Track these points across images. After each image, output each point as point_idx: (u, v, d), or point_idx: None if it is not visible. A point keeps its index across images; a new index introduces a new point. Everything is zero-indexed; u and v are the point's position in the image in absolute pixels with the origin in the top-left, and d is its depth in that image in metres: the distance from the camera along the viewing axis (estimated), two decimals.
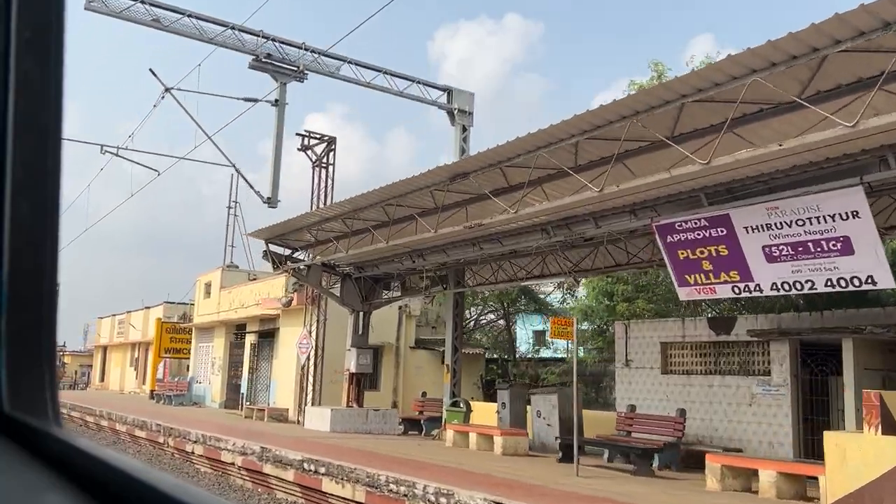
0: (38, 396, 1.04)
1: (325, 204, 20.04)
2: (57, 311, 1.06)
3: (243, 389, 26.60)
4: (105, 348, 54.38)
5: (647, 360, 16.28)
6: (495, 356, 27.83)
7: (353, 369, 19.18)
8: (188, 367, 40.28)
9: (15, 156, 1.01)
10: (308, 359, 21.08)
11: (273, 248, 18.74)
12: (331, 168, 22.07)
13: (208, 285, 31.30)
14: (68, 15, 1.06)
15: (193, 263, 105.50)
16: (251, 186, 16.87)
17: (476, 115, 19.26)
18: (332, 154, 22.10)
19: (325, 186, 21.81)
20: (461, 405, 17.36)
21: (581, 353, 23.92)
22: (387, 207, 14.87)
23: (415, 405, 20.71)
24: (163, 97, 16.12)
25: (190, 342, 37.41)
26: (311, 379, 21.20)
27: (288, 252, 19.47)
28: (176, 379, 31.72)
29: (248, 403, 25.62)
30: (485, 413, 17.89)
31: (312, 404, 20.91)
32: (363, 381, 19.58)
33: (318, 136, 22.06)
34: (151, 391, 36.33)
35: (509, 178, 12.70)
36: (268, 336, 25.48)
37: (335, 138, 22.20)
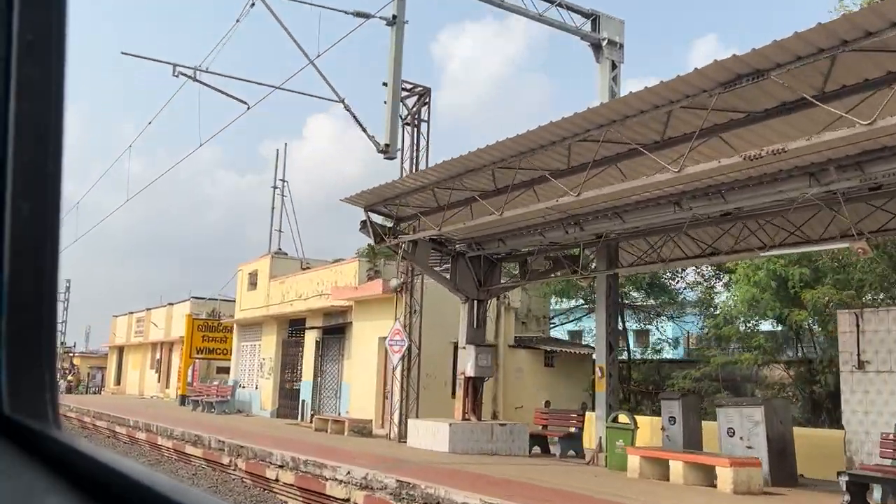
0: (39, 398, 1.03)
1: (415, 169, 16.07)
2: (57, 313, 1.06)
3: (304, 396, 22.51)
4: (121, 349, 50.33)
5: (893, 360, 12.20)
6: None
7: (469, 372, 15.12)
8: (219, 369, 36.33)
9: (16, 158, 1.01)
10: (402, 359, 17.02)
11: (373, 218, 14.69)
12: (424, 125, 18.05)
13: (253, 275, 27.24)
14: (70, 17, 1.06)
15: (194, 266, 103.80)
16: (364, 131, 12.86)
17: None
18: (426, 109, 18.06)
19: (418, 147, 17.78)
20: (628, 421, 13.27)
21: (723, 355, 19.83)
22: (499, 171, 11.27)
23: (537, 418, 16.62)
24: (252, 4, 12.06)
25: (225, 341, 33.38)
26: (404, 383, 17.13)
27: (377, 225, 15.41)
28: (214, 382, 27.62)
29: (311, 412, 21.54)
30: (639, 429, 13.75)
31: (407, 415, 16.85)
32: (480, 388, 15.50)
33: (408, 85, 18.01)
34: (182, 396, 32.27)
35: (672, 128, 9.24)
36: (336, 332, 21.41)
37: (429, 89, 18.18)
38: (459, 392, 15.33)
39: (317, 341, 22.22)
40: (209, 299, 39.02)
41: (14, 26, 1.02)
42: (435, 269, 15.60)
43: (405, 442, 16.48)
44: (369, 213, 14.63)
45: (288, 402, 24.15)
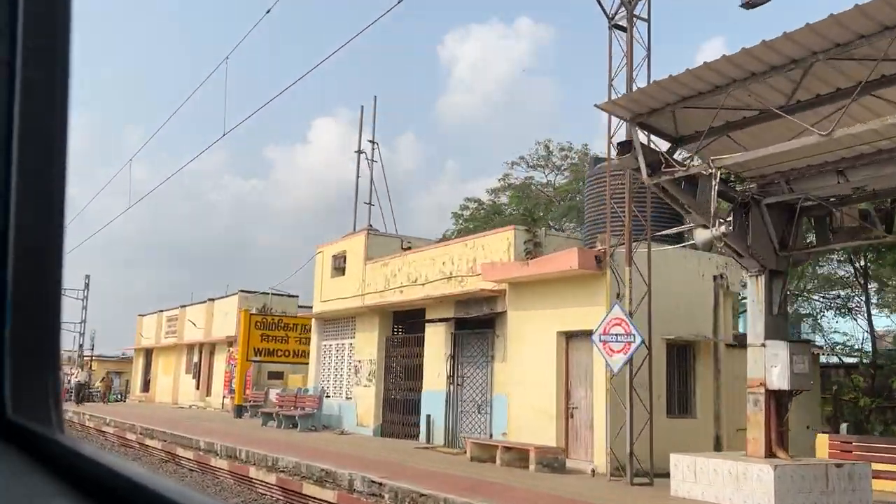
0: (42, 402, 1.04)
1: (631, 88, 10.71)
2: (61, 317, 1.06)
3: (429, 409, 17.10)
4: (149, 351, 44.99)
5: None
6: (832, 360, 18.39)
7: (780, 383, 9.69)
8: (271, 374, 30.95)
9: (20, 163, 1.01)
10: (628, 362, 11.64)
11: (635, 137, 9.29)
12: (637, 30, 12.68)
13: (339, 258, 21.86)
14: (75, 23, 1.06)
15: (198, 272, 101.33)
16: None
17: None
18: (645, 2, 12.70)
19: (632, 56, 12.40)
20: None
21: None
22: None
23: (837, 448, 11.18)
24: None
25: (286, 341, 28.07)
26: (618, 397, 11.71)
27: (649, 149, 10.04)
28: (297, 391, 22.20)
29: (445, 432, 16.13)
30: None
31: (633, 443, 11.46)
32: (786, 408, 10.07)
33: None
34: (238, 407, 26.89)
35: None
36: (480, 326, 16.01)
37: None
38: (755, 413, 9.90)
39: (452, 336, 16.80)
40: (260, 293, 33.74)
41: (19, 31, 1.03)
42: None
43: (648, 484, 11.10)
44: (637, 126, 9.24)
45: (398, 416, 18.72)
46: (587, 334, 13.32)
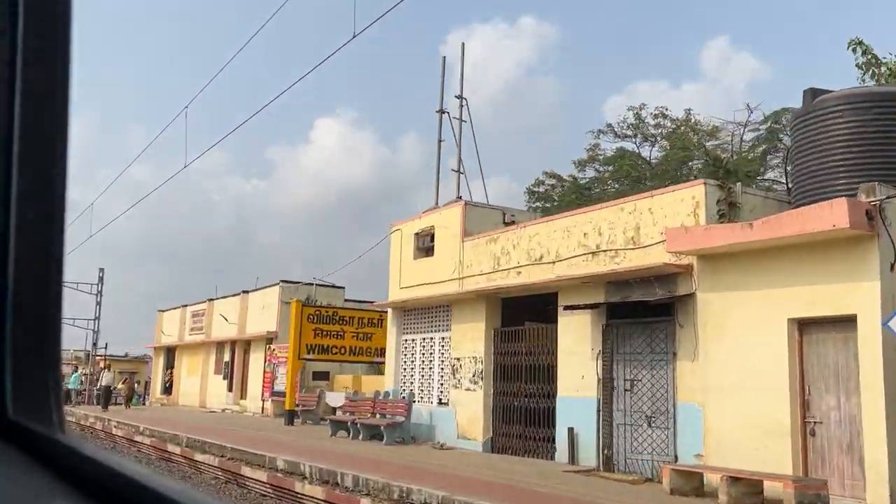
0: (43, 402, 1.04)
1: None
2: (62, 318, 1.06)
3: (570, 422, 13.39)
4: (171, 350, 41.31)
5: None
6: None
7: None
8: (316, 374, 27.29)
9: (21, 163, 1.02)
10: None
11: None
12: None
13: (424, 236, 18.17)
14: (75, 22, 1.06)
15: (200, 272, 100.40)
16: None
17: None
18: None
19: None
20: None
21: None
22: None
23: None
24: None
25: (342, 336, 24.38)
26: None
27: None
28: (376, 395, 18.50)
29: (602, 451, 12.42)
30: None
31: None
32: None
33: None
34: (290, 413, 23.20)
35: None
36: (650, 314, 12.29)
37: None
38: None
39: (603, 327, 13.08)
40: (303, 284, 30.08)
41: (19, 31, 1.03)
42: None
43: None
44: None
45: (516, 428, 15.01)
46: (836, 322, 9.63)
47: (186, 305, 40.14)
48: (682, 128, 25.92)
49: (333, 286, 30.65)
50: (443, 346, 17.32)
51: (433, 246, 17.77)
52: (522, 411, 14.85)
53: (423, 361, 18.07)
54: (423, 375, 18.02)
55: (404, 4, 9.66)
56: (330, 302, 30.16)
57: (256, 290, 32.35)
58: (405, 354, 18.80)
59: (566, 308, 13.58)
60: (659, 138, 27.08)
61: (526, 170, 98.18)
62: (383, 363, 24.96)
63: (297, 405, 24.18)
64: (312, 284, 30.00)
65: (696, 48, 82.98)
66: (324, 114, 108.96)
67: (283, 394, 27.56)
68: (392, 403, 17.16)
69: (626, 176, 25.83)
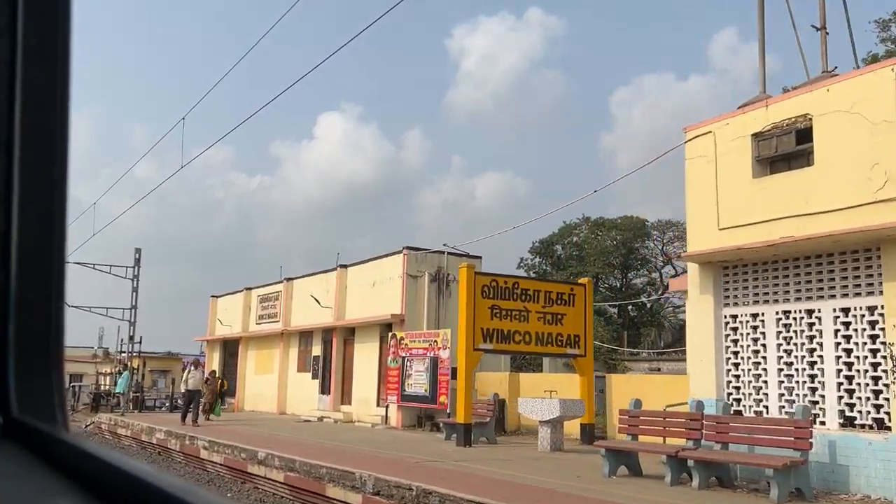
0: (47, 401, 1.04)
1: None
2: (65, 317, 1.06)
3: None
4: (231, 343, 33.90)
5: None
6: None
7: None
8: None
9: (22, 162, 1.02)
10: None
11: None
12: None
13: (784, 134, 10.64)
14: (75, 21, 1.06)
15: (204, 270, 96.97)
16: None
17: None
18: None
19: None
20: None
21: None
22: None
23: None
24: None
25: (526, 318, 16.86)
26: None
27: None
28: (695, 406, 10.90)
29: None
30: None
31: None
32: None
33: None
34: (465, 428, 15.72)
35: None
36: None
37: None
38: None
39: None
40: (432, 251, 22.63)
41: (19, 30, 1.02)
42: None
43: None
44: None
45: None
46: None
47: (251, 288, 32.72)
48: None
49: (468, 255, 23.23)
50: (860, 322, 9.77)
51: (807, 149, 10.25)
52: None
53: (787, 352, 10.52)
54: (785, 375, 10.47)
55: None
56: (454, 277, 22.76)
57: (363, 262, 24.83)
58: (734, 340, 11.25)
59: None
60: None
61: (530, 163, 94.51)
62: (580, 355, 17.59)
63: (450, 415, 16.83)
64: (443, 252, 22.57)
65: (704, 39, 78.88)
66: (328, 109, 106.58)
67: (421, 398, 20.15)
68: (773, 424, 9.62)
69: None
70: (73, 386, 46.46)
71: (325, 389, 25.80)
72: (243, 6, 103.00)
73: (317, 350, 26.62)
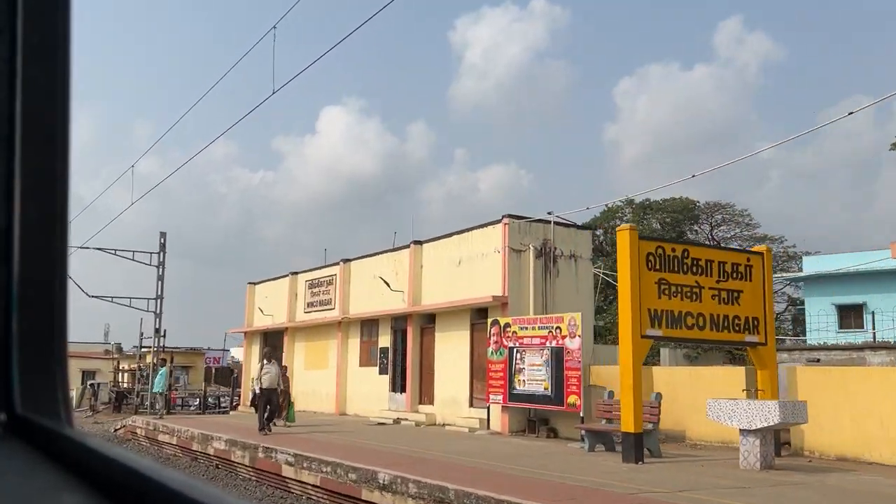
0: (51, 398, 1.04)
1: None
2: (67, 313, 1.06)
3: None
4: (274, 335, 30.15)
5: None
6: None
7: None
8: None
9: (23, 160, 1.02)
10: None
11: None
12: None
13: None
14: (75, 19, 1.06)
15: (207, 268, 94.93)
16: None
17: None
18: None
19: None
20: None
21: None
22: None
23: None
24: None
25: (699, 296, 13.03)
26: None
27: None
28: None
29: None
30: None
31: None
32: None
33: None
34: (637, 438, 11.89)
35: None
36: None
37: None
38: None
39: None
40: (533, 221, 18.79)
41: (19, 28, 1.02)
42: None
43: None
44: None
45: None
46: None
47: (297, 273, 28.94)
48: None
49: (577, 226, 19.44)
50: None
51: None
52: None
53: None
54: None
55: None
56: (573, 250, 19.00)
57: (443, 237, 21.01)
58: None
59: None
60: None
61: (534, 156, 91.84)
62: (760, 343, 13.79)
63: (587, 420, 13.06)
64: (549, 222, 18.75)
65: (709, 29, 76.04)
66: (330, 102, 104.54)
67: (539, 398, 16.36)
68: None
69: None
70: (92, 384, 42.74)
71: (397, 387, 22.03)
72: (243, 6, 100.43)
73: (385, 341, 22.84)
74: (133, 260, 34.21)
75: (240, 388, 32.26)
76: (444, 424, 19.52)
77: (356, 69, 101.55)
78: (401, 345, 22.17)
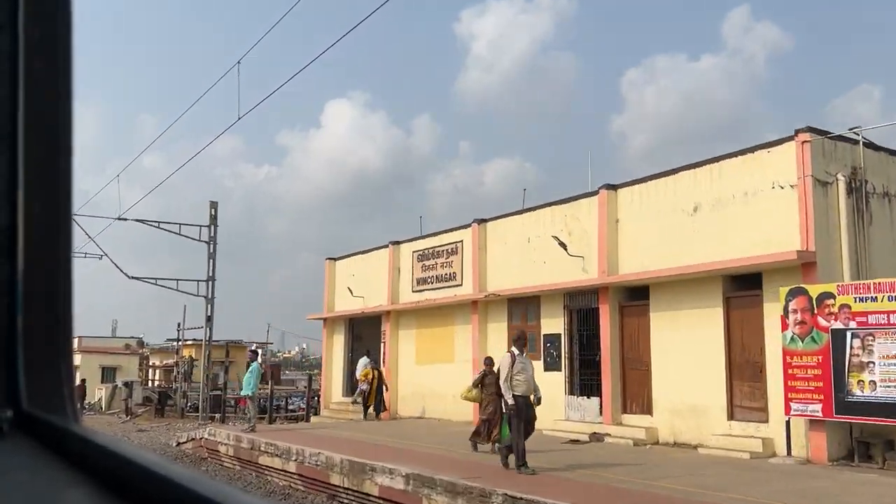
0: (56, 393, 1.04)
1: None
2: (73, 309, 1.05)
3: None
4: (364, 322, 23.98)
5: None
6: None
7: None
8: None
9: (26, 156, 1.01)
10: None
11: None
12: None
13: None
14: (77, 14, 1.05)
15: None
16: None
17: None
18: None
19: None
20: None
21: None
22: None
23: None
24: None
25: None
26: None
27: None
28: None
29: None
30: None
31: None
32: None
33: None
34: None
35: None
36: None
37: None
38: None
39: None
40: (839, 138, 12.50)
41: (20, 23, 1.01)
42: None
43: None
44: None
45: None
46: None
47: (399, 242, 22.75)
48: None
49: (891, 151, 13.19)
50: None
51: None
52: None
53: None
54: None
55: None
56: (886, 185, 12.71)
57: (661, 175, 14.73)
58: None
59: None
60: None
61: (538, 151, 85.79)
62: None
63: None
64: (857, 141, 12.46)
65: (716, 19, 69.83)
66: (335, 96, 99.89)
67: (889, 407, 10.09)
68: None
69: None
70: (126, 383, 36.52)
71: (579, 389, 15.82)
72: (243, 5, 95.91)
73: (552, 325, 16.63)
74: (180, 234, 28.43)
75: (320, 388, 26.11)
76: (675, 444, 13.32)
77: (360, 63, 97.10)
78: (583, 330, 15.97)
